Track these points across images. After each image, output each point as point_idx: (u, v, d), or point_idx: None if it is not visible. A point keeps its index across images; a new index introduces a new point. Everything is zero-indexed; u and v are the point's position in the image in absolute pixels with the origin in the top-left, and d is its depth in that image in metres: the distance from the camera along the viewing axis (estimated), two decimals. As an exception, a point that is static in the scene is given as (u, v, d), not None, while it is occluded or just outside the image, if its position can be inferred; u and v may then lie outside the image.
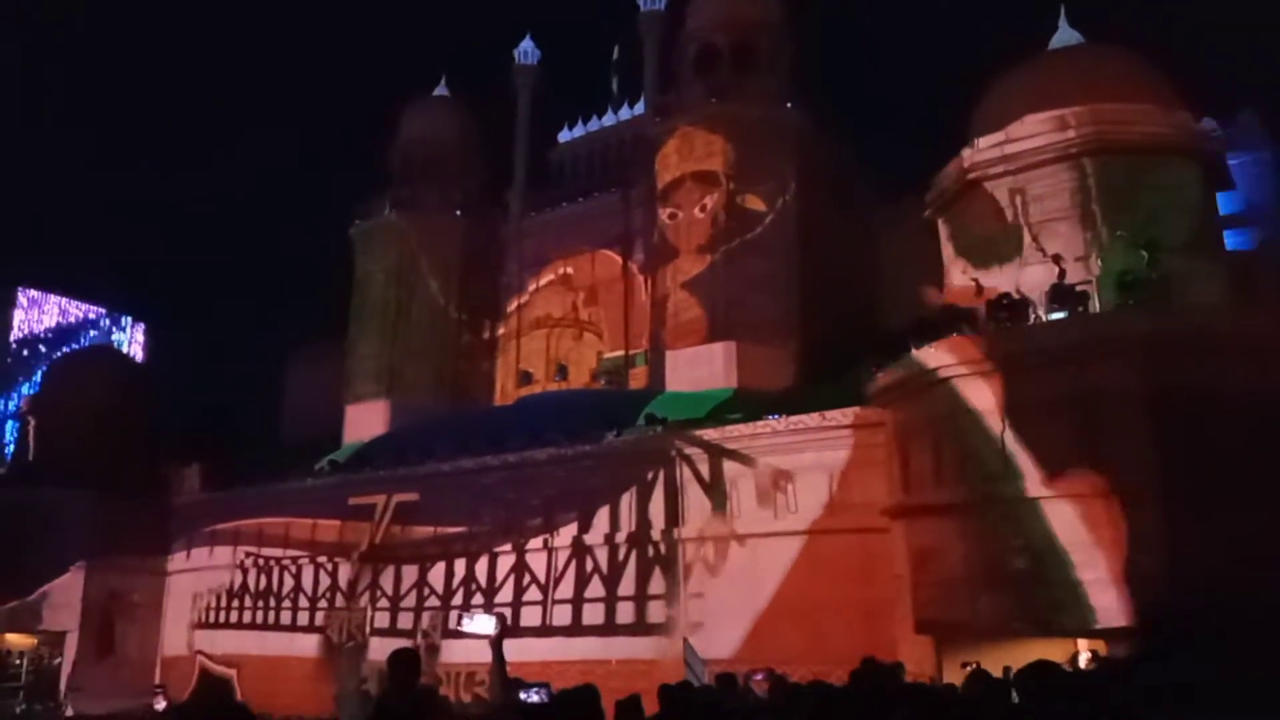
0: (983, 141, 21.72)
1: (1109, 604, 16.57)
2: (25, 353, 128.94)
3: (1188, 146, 20.69)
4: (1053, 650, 16.78)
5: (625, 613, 25.35)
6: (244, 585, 33.64)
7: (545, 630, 26.37)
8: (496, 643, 7.53)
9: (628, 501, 25.99)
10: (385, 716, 5.89)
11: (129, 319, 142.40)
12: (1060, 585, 17.02)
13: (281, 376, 51.63)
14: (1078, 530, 17.05)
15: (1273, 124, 30.08)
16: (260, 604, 32.99)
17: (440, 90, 46.64)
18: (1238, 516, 15.66)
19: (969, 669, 11.84)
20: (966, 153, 21.95)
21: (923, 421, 20.65)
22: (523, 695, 7.67)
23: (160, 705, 21.17)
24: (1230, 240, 22.01)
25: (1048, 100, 21.16)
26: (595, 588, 26.03)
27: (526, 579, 27.19)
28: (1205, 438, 16.33)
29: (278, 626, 32.22)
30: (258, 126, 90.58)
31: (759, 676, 9.15)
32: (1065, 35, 25.10)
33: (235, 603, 33.74)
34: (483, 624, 7.73)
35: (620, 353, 39.05)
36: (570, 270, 41.58)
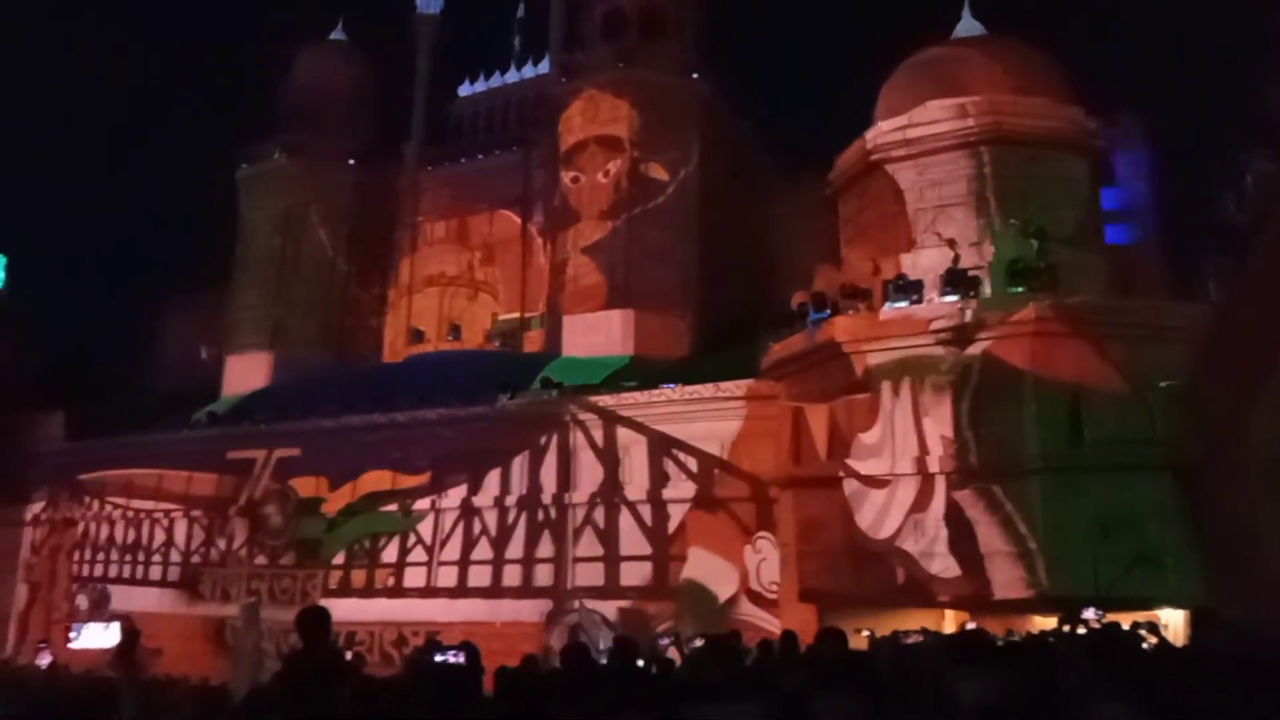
0: (886, 124, 22.10)
1: (991, 578, 17.30)
2: None
3: (1077, 142, 21.49)
4: (929, 620, 17.51)
5: (512, 575, 25.27)
6: (110, 538, 32.22)
7: (429, 591, 26.14)
8: (123, 651, 7.31)
9: (519, 465, 25.83)
10: (293, 676, 5.69)
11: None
12: (942, 559, 17.67)
13: (155, 322, 49.15)
14: (963, 505, 17.71)
15: (1150, 127, 31.54)
16: (128, 558, 31.63)
17: (337, 34, 44.98)
18: (1109, 492, 16.61)
19: (864, 634, 12.26)
20: (869, 134, 22.31)
21: (815, 396, 21.06)
22: (439, 657, 7.53)
23: (45, 660, 20.50)
24: (1110, 235, 22.99)
25: (949, 88, 21.66)
26: (483, 550, 25.87)
27: (412, 540, 26.83)
28: (1083, 418, 17.21)
29: (146, 581, 30.96)
30: (140, 53, 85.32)
31: (665, 640, 9.22)
32: (968, 25, 25.71)
33: (101, 556, 32.28)
34: (97, 636, 7.52)
35: (516, 315, 38.59)
36: (466, 228, 40.84)
